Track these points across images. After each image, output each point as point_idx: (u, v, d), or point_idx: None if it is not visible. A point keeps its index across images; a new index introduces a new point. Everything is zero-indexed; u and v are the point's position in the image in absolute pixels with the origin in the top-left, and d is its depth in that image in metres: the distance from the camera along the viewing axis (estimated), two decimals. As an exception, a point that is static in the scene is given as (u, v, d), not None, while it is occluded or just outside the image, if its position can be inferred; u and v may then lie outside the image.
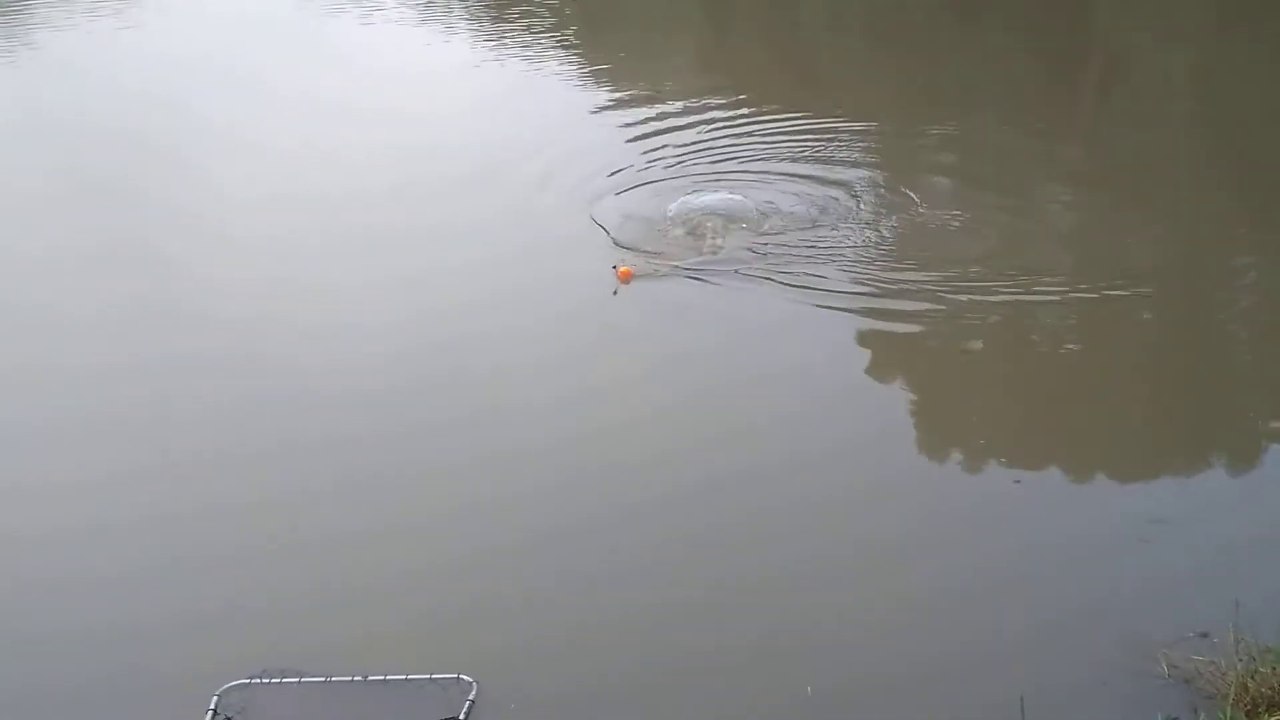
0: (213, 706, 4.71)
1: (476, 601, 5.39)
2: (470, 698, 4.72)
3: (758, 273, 8.26)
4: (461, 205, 10.17)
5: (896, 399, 6.99)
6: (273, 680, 4.83)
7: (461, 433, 6.75)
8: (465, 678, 4.80)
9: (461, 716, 4.64)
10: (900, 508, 5.90)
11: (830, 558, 5.58)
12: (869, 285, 8.04)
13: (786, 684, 4.79)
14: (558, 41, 16.67)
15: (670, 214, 9.34)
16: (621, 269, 8.14)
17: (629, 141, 11.50)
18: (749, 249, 8.60)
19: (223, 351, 7.84)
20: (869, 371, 7.21)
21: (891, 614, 5.15)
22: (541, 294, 8.37)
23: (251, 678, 4.84)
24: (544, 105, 13.49)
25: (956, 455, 6.38)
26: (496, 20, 17.91)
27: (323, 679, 4.83)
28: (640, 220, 9.29)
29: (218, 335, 8.08)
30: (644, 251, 8.63)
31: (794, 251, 8.54)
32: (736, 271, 8.27)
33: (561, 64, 15.52)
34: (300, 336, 8.03)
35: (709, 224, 9.05)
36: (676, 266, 8.39)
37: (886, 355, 7.40)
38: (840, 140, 11.07)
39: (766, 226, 9.00)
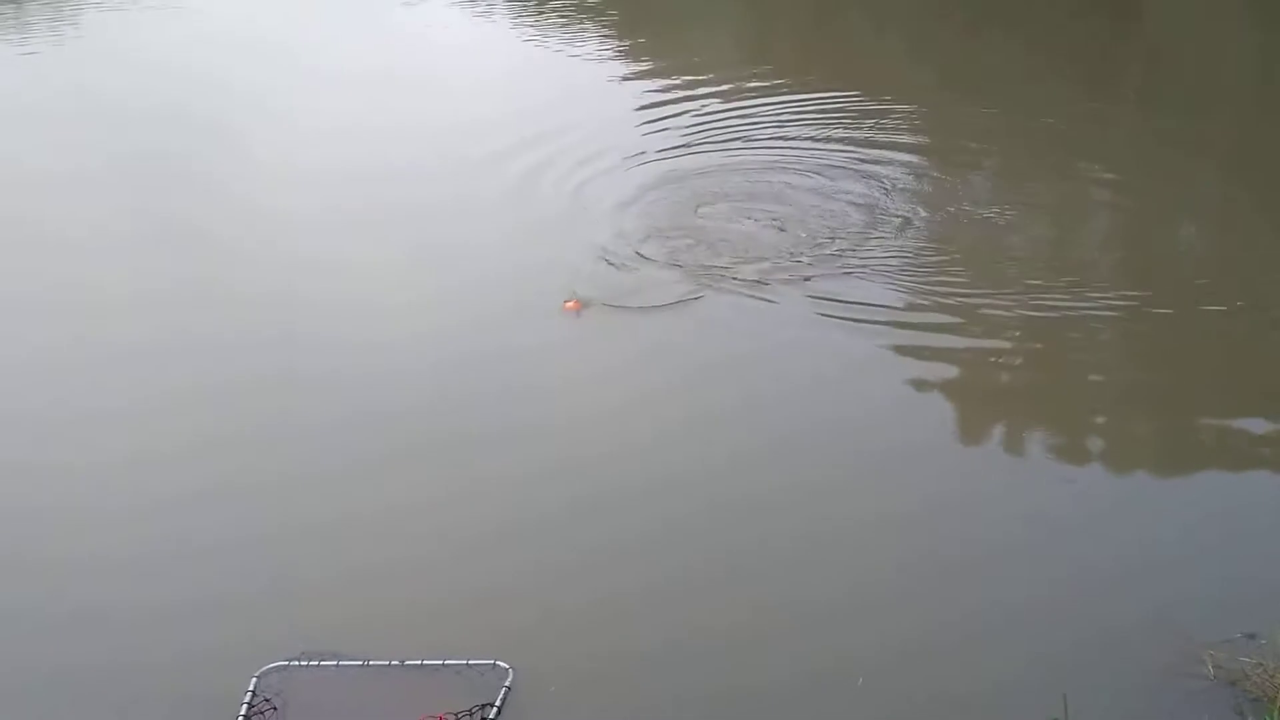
0: (251, 688, 4.74)
1: (516, 585, 5.39)
2: (506, 684, 4.71)
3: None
4: (494, 181, 10.28)
5: (938, 409, 6.74)
6: (311, 662, 4.85)
7: (495, 412, 6.79)
8: (502, 663, 4.80)
9: (497, 703, 4.64)
10: (944, 508, 5.83)
11: (871, 550, 5.54)
12: (906, 295, 7.77)
13: (835, 672, 4.78)
14: (595, 21, 16.73)
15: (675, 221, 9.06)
16: (568, 304, 7.76)
17: (655, 122, 11.61)
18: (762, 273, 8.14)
19: (260, 328, 7.97)
20: (910, 383, 6.97)
21: (935, 612, 5.09)
22: (568, 272, 8.36)
23: (290, 660, 4.86)
24: (576, 83, 13.76)
25: (1002, 456, 6.29)
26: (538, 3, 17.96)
27: (360, 662, 4.84)
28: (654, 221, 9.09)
29: (254, 311, 8.20)
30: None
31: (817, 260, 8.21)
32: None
33: (597, 43, 15.58)
34: (334, 313, 8.11)
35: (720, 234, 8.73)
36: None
37: (929, 367, 7.09)
38: (876, 128, 11.00)
39: (785, 238, 8.56)
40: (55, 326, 8.21)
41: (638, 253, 8.52)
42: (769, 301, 7.80)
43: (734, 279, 8.06)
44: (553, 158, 10.61)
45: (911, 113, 11.55)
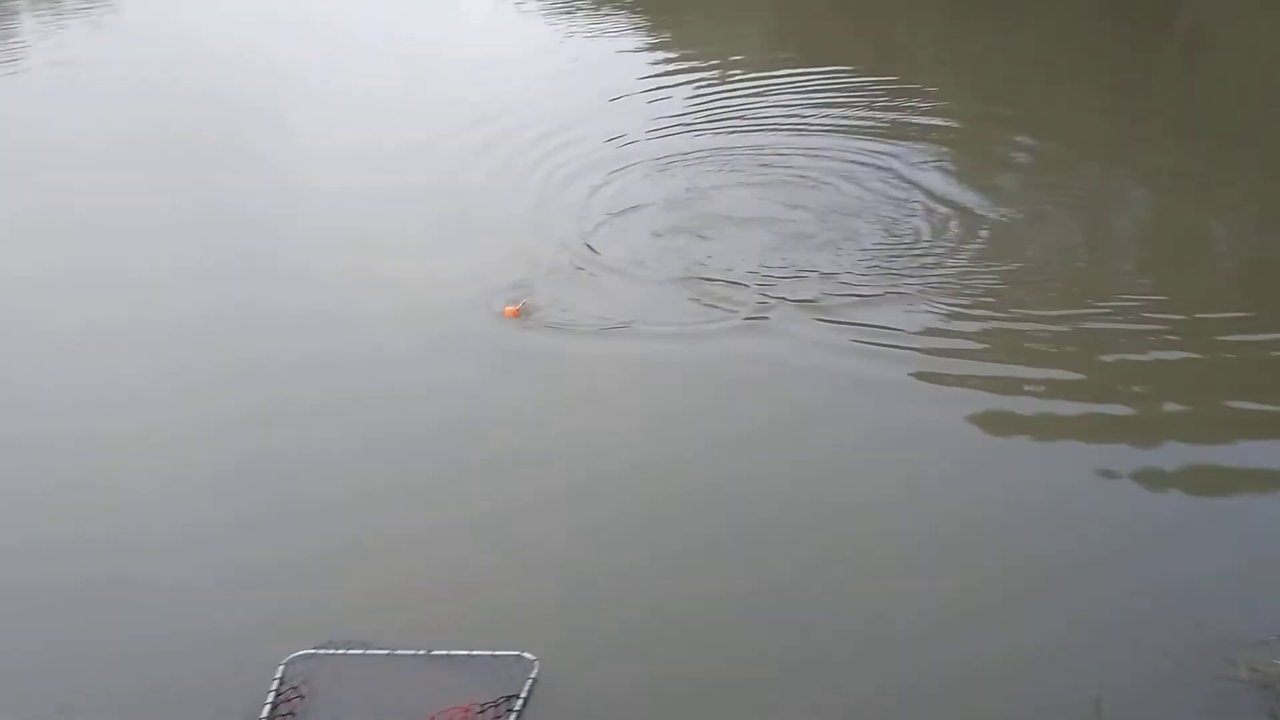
0: (279, 675, 4.76)
1: (543, 577, 5.39)
2: (532, 676, 4.71)
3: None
4: (532, 157, 10.36)
5: (970, 418, 6.49)
6: (338, 651, 4.86)
7: (512, 405, 6.80)
8: (527, 655, 4.79)
9: (523, 695, 4.63)
10: (974, 502, 5.79)
11: (903, 553, 5.47)
12: (924, 302, 7.51)
13: (854, 677, 4.76)
14: (624, 8, 16.76)
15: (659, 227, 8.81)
16: (508, 309, 7.62)
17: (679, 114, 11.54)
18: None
19: (309, 306, 8.04)
20: (936, 386, 6.81)
21: (967, 614, 5.05)
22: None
23: (317, 648, 4.87)
24: (605, 68, 13.79)
25: (1032, 453, 6.20)
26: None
27: (387, 652, 4.84)
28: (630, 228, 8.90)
29: (305, 290, 8.29)
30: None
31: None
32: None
33: (627, 30, 15.55)
34: (383, 290, 8.17)
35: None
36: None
37: (951, 364, 6.93)
38: (902, 116, 10.87)
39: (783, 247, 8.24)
40: (76, 306, 8.34)
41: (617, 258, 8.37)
42: (771, 300, 7.62)
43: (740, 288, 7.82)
44: (561, 147, 10.64)
45: (934, 109, 11.38)
